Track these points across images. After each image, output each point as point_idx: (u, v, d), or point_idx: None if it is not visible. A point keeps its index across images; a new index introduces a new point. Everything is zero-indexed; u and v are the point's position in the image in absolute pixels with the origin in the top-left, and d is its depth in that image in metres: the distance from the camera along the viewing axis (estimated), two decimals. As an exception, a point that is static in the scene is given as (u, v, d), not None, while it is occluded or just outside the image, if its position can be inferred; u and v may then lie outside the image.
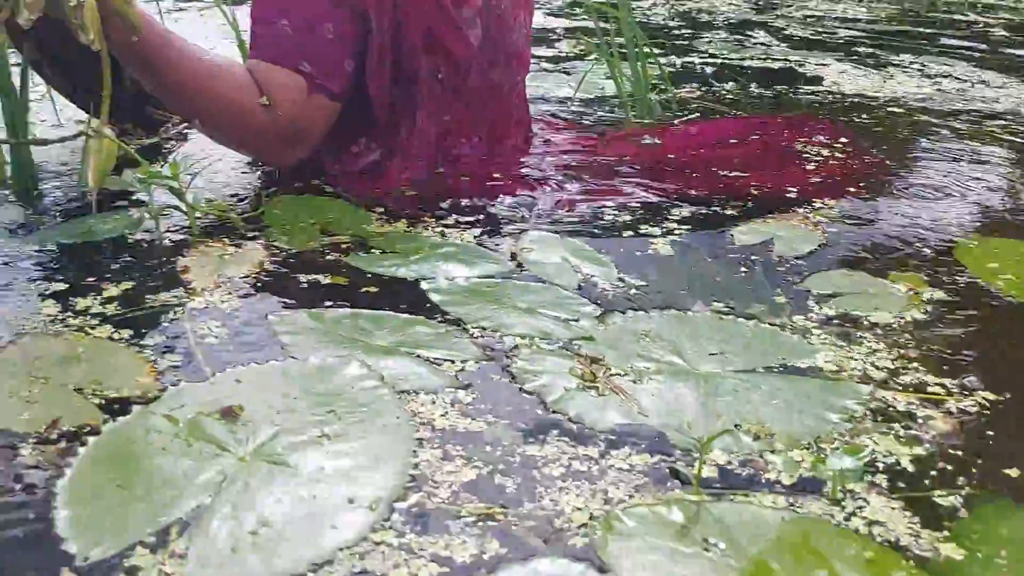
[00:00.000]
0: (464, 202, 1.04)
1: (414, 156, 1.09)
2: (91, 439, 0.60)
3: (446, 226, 0.97)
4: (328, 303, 0.79)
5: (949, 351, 0.75)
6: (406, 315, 0.78)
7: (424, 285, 0.83)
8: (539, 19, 2.24)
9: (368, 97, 1.05)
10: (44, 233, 0.92)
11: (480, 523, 0.55)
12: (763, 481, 0.59)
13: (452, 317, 0.78)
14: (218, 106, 0.99)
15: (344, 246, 0.91)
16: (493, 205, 1.03)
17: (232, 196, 1.05)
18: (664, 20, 2.47)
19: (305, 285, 0.83)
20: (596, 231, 0.98)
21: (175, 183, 0.90)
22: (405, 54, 1.04)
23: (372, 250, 0.90)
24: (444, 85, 1.08)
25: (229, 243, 0.90)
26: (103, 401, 0.64)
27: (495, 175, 1.12)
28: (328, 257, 0.88)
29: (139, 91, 1.09)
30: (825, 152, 1.25)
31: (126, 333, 0.73)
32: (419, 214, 0.99)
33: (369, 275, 0.85)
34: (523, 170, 1.15)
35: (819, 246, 0.95)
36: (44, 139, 0.96)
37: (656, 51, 1.72)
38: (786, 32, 2.29)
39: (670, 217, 1.02)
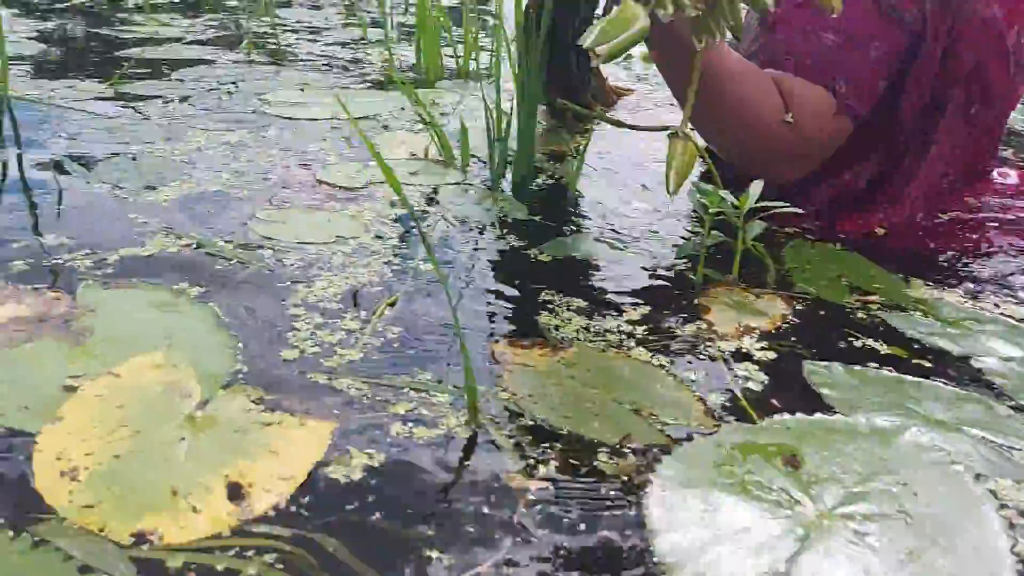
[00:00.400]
0: (990, 266, 0.95)
1: (908, 193, 1.01)
2: (664, 458, 0.60)
3: (979, 294, 0.89)
4: (870, 364, 0.74)
5: None
6: (957, 390, 0.71)
7: (975, 363, 0.76)
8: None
9: (875, 121, 0.98)
10: (555, 244, 0.96)
11: None
12: None
13: (1019, 403, 0.70)
14: (738, 110, 0.93)
15: (875, 307, 0.86)
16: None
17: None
18: None
19: (841, 343, 0.79)
20: None
21: (738, 217, 0.86)
22: (944, 81, 0.97)
23: (908, 312, 0.84)
24: (970, 119, 1.01)
25: (746, 286, 0.88)
26: (662, 426, 0.64)
27: (991, 226, 1.03)
28: (859, 315, 0.84)
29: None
30: None
31: (664, 360, 0.73)
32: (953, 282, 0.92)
33: (916, 345, 0.79)
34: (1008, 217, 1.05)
35: None
36: (623, 121, 1.02)
37: None
38: None
39: None
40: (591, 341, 0.76)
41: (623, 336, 0.77)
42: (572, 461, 0.59)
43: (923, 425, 0.65)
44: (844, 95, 0.94)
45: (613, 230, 1.01)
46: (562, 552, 0.52)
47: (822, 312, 0.84)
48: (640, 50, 1.92)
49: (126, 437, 0.58)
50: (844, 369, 0.73)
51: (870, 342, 0.79)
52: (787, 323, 0.82)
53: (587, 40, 0.64)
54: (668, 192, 0.76)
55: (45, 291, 0.76)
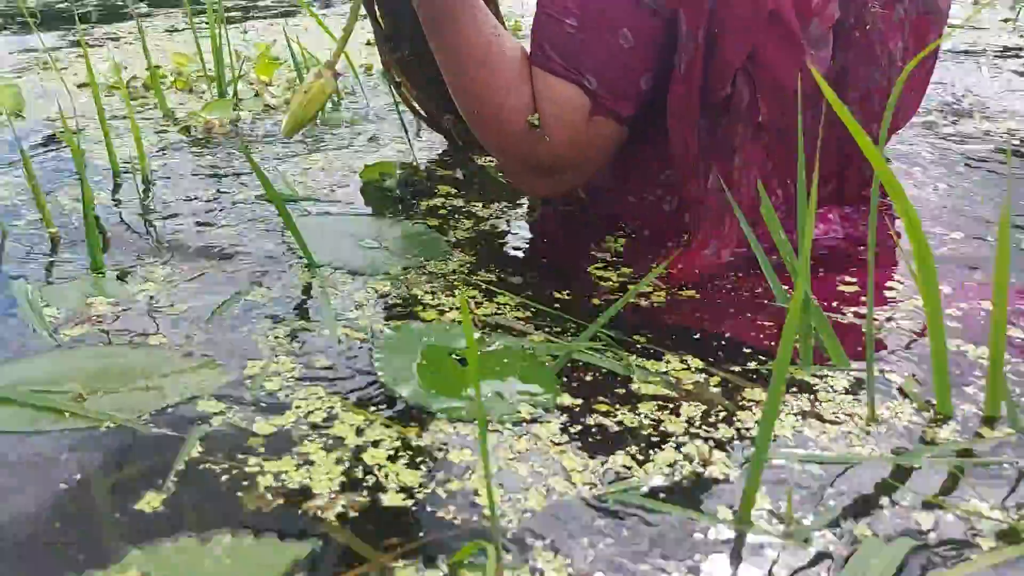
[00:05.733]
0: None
1: (716, 219, 0.84)
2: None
3: None
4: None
5: None
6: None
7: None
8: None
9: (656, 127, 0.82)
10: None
11: None
12: None
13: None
14: (480, 99, 0.82)
15: None
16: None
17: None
18: None
19: None
20: None
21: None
22: (716, 77, 0.80)
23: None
24: (765, 125, 0.83)
25: None
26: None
27: None
28: None
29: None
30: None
31: None
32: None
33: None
34: None
35: None
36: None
37: None
38: None
39: None
40: None
41: None
42: None
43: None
44: (596, 93, 0.80)
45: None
46: None
47: None
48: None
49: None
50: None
51: None
52: None
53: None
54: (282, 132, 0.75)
55: None
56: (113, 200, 1.03)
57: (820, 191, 0.89)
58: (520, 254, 0.92)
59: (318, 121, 1.37)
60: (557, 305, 0.78)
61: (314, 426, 0.60)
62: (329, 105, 1.47)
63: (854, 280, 0.82)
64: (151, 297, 0.78)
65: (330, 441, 0.58)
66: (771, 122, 0.83)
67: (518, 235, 0.97)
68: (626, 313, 0.76)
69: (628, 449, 0.57)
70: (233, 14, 2.43)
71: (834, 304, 0.77)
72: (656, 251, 0.88)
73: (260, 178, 0.81)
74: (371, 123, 1.39)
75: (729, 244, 0.84)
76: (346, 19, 0.76)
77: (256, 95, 1.55)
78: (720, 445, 0.58)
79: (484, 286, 0.82)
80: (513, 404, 0.62)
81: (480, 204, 1.05)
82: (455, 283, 0.82)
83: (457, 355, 0.68)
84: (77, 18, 1.61)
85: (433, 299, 0.78)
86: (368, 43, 1.98)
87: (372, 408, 0.62)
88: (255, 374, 0.66)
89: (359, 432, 0.59)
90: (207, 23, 1.67)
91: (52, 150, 1.20)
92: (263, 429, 0.59)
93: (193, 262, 0.86)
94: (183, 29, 1.61)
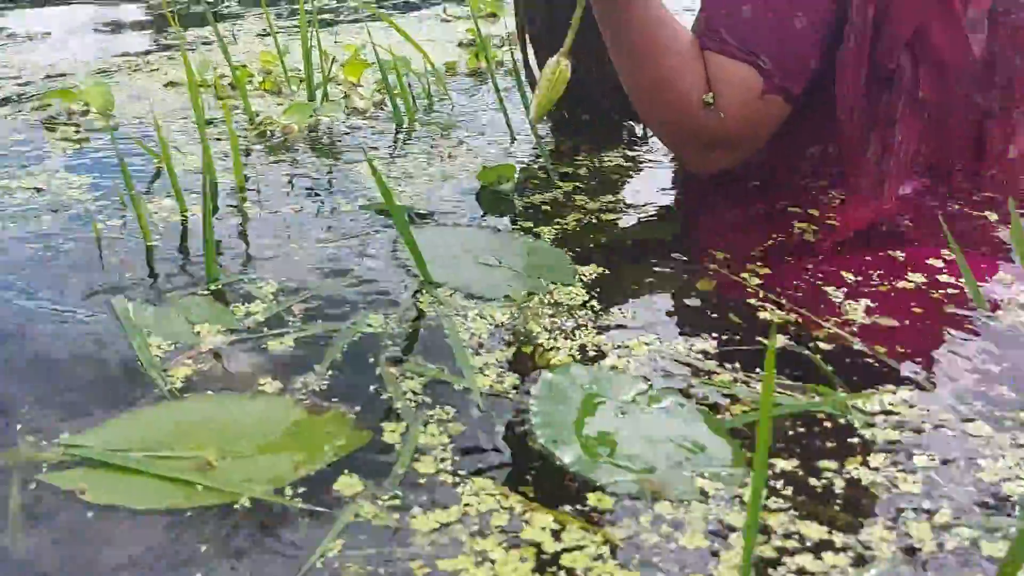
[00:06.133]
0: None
1: (870, 187, 0.91)
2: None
3: None
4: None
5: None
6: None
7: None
8: None
9: (826, 101, 0.88)
10: None
11: None
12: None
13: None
14: (655, 80, 0.88)
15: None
16: None
17: None
18: None
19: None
20: None
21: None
22: (884, 54, 0.86)
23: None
24: (923, 102, 0.89)
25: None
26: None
27: None
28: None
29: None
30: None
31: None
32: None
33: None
34: None
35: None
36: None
37: None
38: None
39: None
40: None
41: None
42: None
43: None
44: (770, 72, 0.86)
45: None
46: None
47: None
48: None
49: None
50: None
51: None
52: None
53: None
54: (529, 119, 0.92)
55: None
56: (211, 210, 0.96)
57: (952, 165, 0.94)
58: (666, 259, 0.82)
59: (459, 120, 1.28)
60: (729, 334, 0.68)
61: (495, 527, 0.49)
62: (420, 111, 1.38)
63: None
64: (259, 325, 0.70)
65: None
66: (929, 97, 0.89)
67: (657, 237, 0.89)
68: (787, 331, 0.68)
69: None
70: (324, 16, 2.37)
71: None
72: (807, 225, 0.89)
73: (382, 190, 0.73)
74: (461, 127, 1.29)
75: (888, 204, 0.90)
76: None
77: (345, 96, 1.48)
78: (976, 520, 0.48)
79: (623, 320, 0.72)
80: (690, 477, 0.52)
81: (605, 206, 0.96)
82: (581, 323, 0.71)
83: (623, 411, 0.58)
84: (174, 19, 1.55)
85: (550, 339, 0.68)
86: (460, 44, 1.90)
87: (560, 506, 0.50)
88: (396, 444, 0.56)
89: (556, 536, 0.48)
90: (298, 26, 1.60)
91: (138, 154, 1.13)
92: (423, 524, 0.49)
93: (298, 280, 0.78)
94: (274, 32, 1.54)
